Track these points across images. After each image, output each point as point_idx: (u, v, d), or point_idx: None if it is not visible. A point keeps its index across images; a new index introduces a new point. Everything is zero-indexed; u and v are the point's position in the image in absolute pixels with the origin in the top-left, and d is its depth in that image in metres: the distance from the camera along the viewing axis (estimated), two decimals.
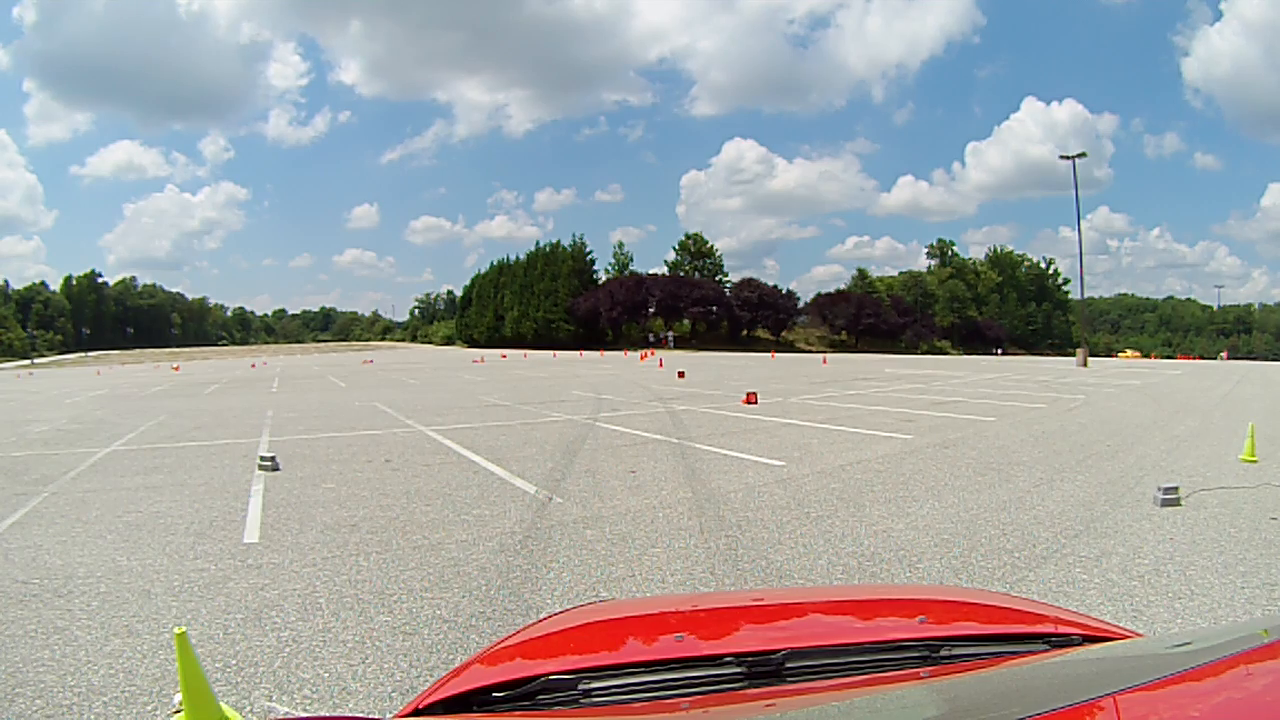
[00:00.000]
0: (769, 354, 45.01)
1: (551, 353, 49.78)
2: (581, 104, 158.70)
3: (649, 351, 45.13)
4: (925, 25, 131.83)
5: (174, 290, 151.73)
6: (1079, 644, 1.11)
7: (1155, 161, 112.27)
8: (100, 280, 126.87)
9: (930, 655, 1.09)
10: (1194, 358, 48.94)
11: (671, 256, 77.03)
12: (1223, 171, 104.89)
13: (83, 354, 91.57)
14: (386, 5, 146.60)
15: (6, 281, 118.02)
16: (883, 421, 8.87)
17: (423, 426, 9.20)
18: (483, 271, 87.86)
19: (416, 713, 1.12)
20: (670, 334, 63.35)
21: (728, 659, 1.10)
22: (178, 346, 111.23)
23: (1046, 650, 1.10)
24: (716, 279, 70.76)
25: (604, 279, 73.13)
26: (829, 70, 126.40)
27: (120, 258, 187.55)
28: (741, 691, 1.04)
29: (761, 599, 1.95)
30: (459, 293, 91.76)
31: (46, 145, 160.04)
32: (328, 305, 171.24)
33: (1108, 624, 1.27)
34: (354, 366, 34.73)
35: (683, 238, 78.96)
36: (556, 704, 1.05)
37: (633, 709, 1.05)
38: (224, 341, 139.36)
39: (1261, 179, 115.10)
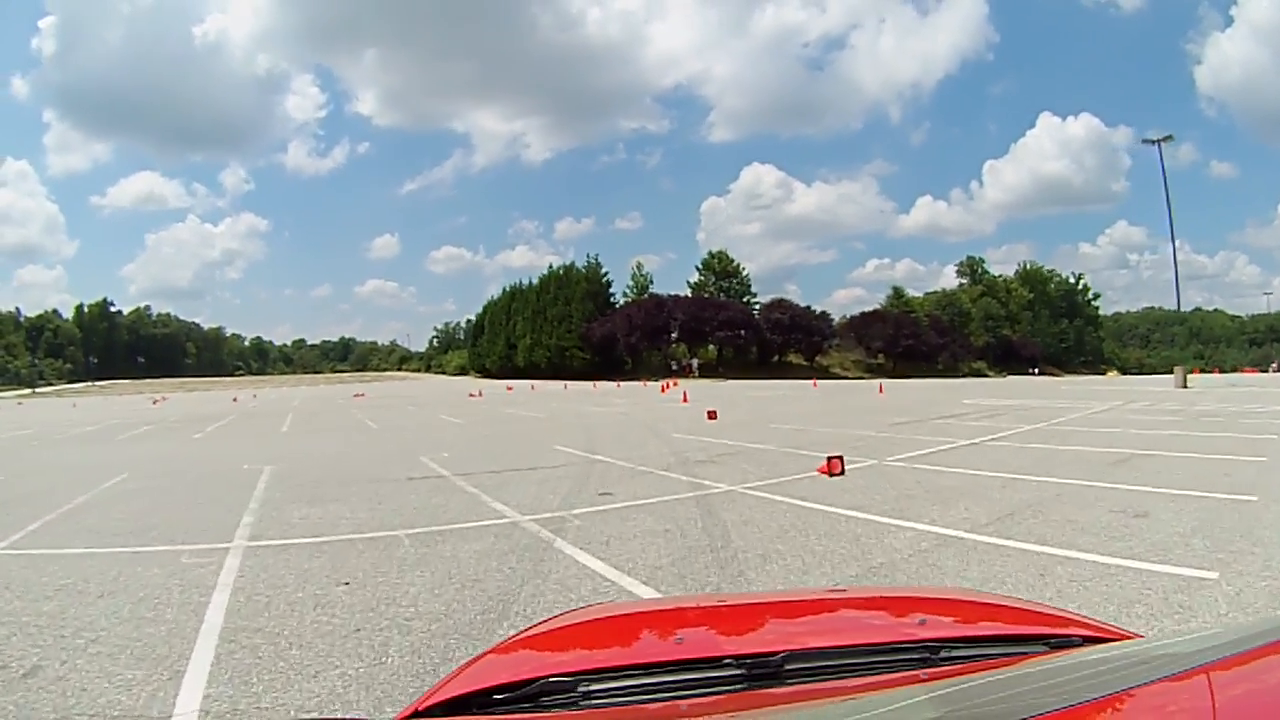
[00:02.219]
0: (807, 381, 42.45)
1: (562, 384, 47.13)
2: (599, 131, 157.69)
3: (671, 381, 41.97)
4: (938, 44, 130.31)
5: (190, 320, 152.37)
6: (1079, 645, 1.14)
7: (1171, 172, 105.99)
8: (113, 309, 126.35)
9: (930, 657, 1.12)
10: (1249, 369, 50.05)
11: (695, 277, 72.97)
12: (1238, 179, 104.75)
13: (88, 383, 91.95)
14: (399, 35, 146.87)
15: (19, 309, 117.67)
16: (1110, 524, 4.96)
17: (248, 540, 5.73)
18: (495, 298, 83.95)
19: (417, 714, 1.15)
20: (694, 361, 59.42)
21: (727, 660, 1.13)
22: (191, 376, 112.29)
23: (1046, 651, 1.14)
24: (744, 300, 67.62)
25: (622, 304, 69.91)
26: (845, 92, 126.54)
27: (142, 287, 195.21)
28: (741, 693, 1.07)
29: (761, 601, 2.17)
30: None
31: (66, 175, 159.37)
32: (348, 335, 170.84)
33: (1108, 625, 1.31)
34: (340, 400, 33.38)
35: (706, 256, 74.44)
36: (557, 705, 1.08)
37: (633, 710, 1.08)
38: (240, 371, 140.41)
39: (1276, 185, 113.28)
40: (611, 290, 71.22)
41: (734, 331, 60.74)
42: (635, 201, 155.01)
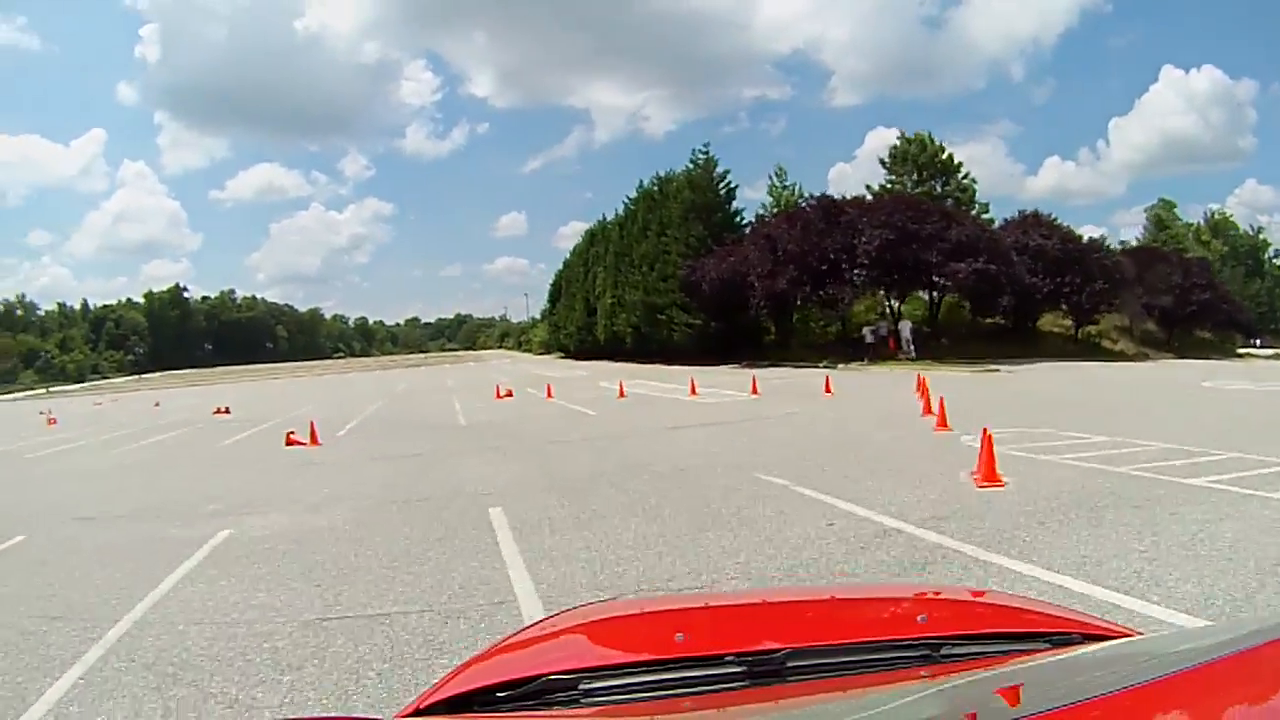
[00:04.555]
0: (1086, 364, 28.76)
1: (650, 377, 34.23)
2: (719, 101, 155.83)
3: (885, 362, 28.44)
4: None
5: (299, 306, 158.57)
6: (1079, 643, 1.18)
7: None
8: (185, 295, 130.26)
9: (931, 654, 1.16)
10: None
11: (877, 178, 48.49)
12: None
13: (138, 376, 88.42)
14: (507, 13, 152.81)
15: (87, 301, 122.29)
16: None
17: None
18: (578, 247, 65.50)
19: (418, 713, 1.18)
20: (905, 327, 35.67)
21: (729, 658, 1.15)
22: (278, 361, 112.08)
23: (1047, 649, 1.17)
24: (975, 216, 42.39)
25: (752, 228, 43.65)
26: (964, 50, 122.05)
27: (269, 275, 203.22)
28: (743, 691, 1.10)
29: (762, 598, 2.14)
30: None
31: (184, 172, 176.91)
32: (464, 312, 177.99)
33: (1108, 623, 1.37)
34: (380, 392, 31.37)
35: (899, 141, 48.76)
36: (558, 704, 1.11)
37: (634, 709, 1.11)
38: (340, 354, 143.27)
39: None
40: (740, 213, 45.87)
41: (975, 264, 33.23)
42: (762, 171, 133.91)
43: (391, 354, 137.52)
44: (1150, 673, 0.79)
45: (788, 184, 48.09)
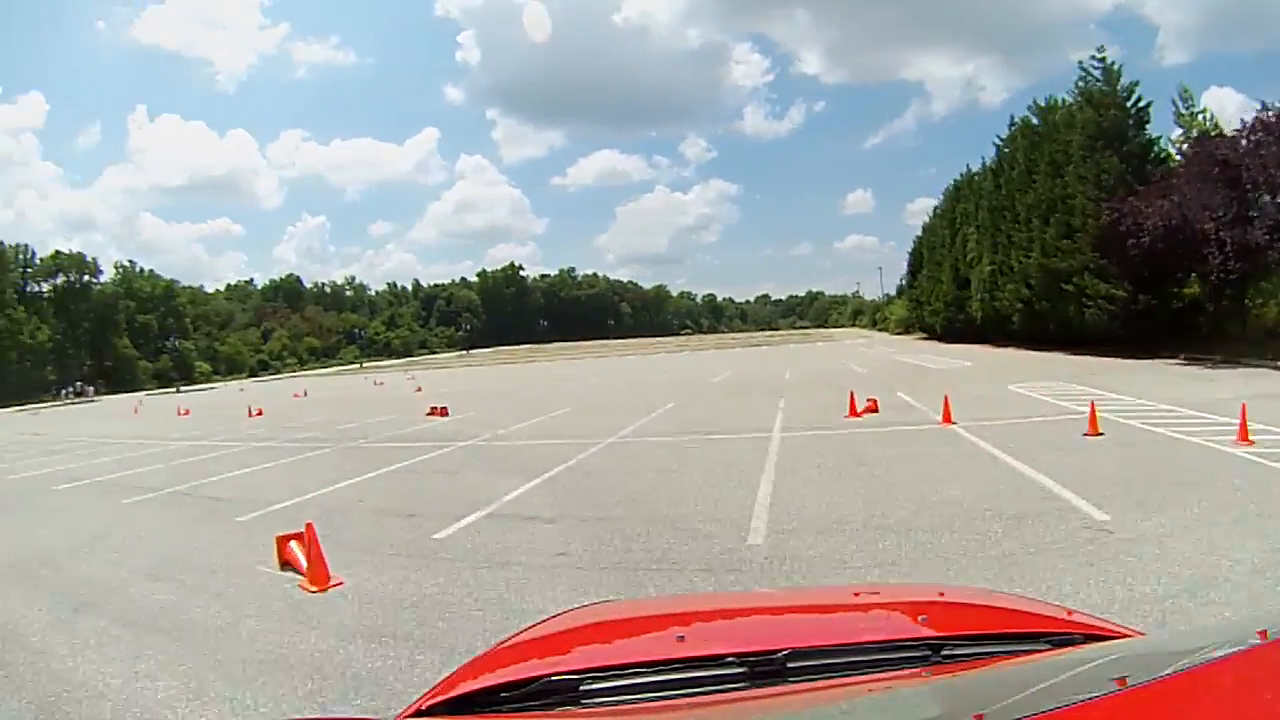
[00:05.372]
0: None
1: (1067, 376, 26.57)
2: (1048, 66, 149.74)
3: None
4: None
5: (647, 285, 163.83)
6: (1080, 643, 1.20)
7: None
8: (522, 274, 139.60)
9: (932, 655, 1.18)
10: None
11: None
12: None
13: (464, 351, 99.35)
14: None
15: (418, 281, 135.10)
16: None
17: None
18: (937, 207, 56.73)
19: (419, 713, 1.20)
20: None
21: (730, 659, 1.17)
22: (621, 338, 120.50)
23: (1048, 649, 1.19)
24: None
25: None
26: None
27: (617, 255, 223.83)
28: (744, 691, 1.13)
29: (763, 599, 2.25)
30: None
31: (522, 162, 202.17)
32: (816, 289, 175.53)
33: (1109, 623, 1.39)
34: (674, 386, 26.65)
35: None
36: (559, 704, 1.13)
37: (635, 709, 1.13)
38: (687, 330, 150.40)
39: None
40: (1156, 141, 32.29)
41: None
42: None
43: (739, 331, 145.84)
44: (1150, 673, 0.81)
45: (1196, 110, 32.75)
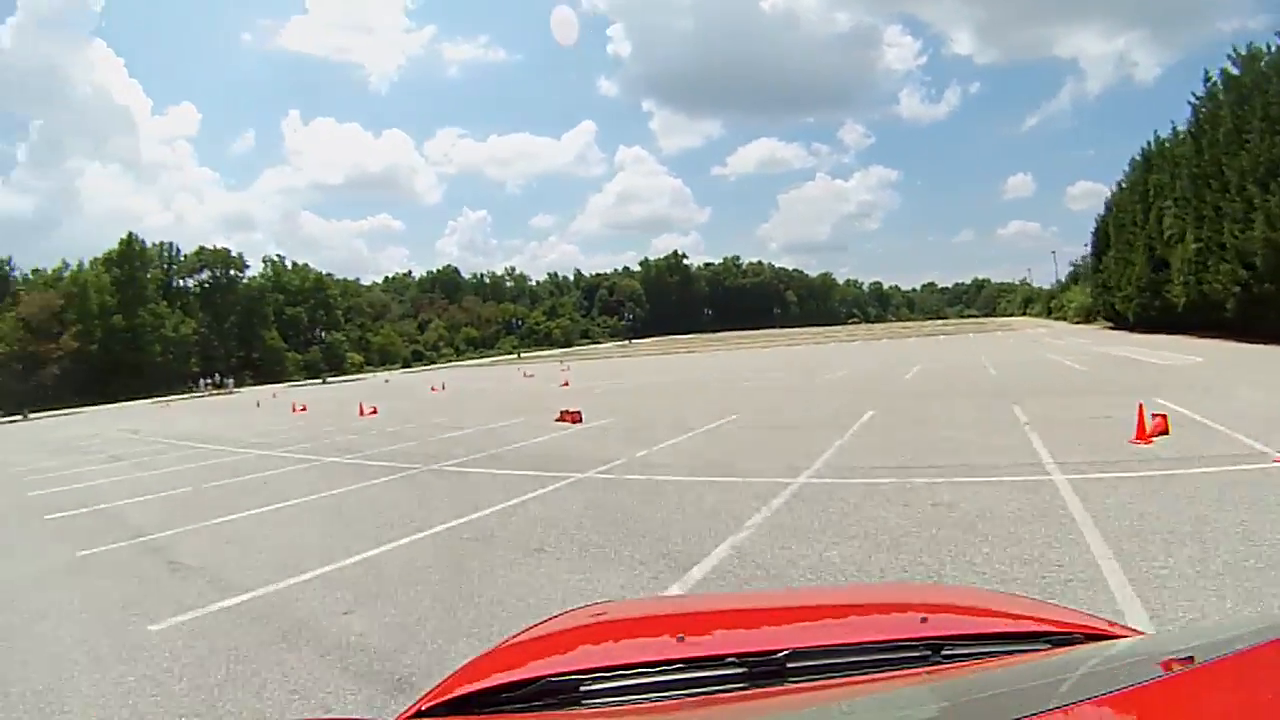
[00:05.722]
0: None
1: None
2: (1199, 39, 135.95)
3: None
4: None
5: (811, 272, 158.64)
6: (1080, 643, 1.19)
7: None
8: (685, 263, 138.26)
9: (932, 655, 1.19)
10: None
11: None
12: None
13: (626, 341, 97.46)
14: None
15: (579, 271, 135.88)
16: None
17: None
18: (1120, 183, 49.96)
19: (419, 714, 1.20)
20: None
21: (729, 659, 1.17)
22: (787, 327, 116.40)
23: (1048, 649, 1.19)
24: None
25: None
26: None
27: (780, 243, 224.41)
28: (743, 692, 1.13)
29: (763, 599, 2.19)
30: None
31: (680, 153, 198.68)
32: (983, 276, 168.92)
33: (1109, 623, 1.39)
34: (865, 389, 20.16)
35: None
36: (559, 705, 1.13)
37: (634, 710, 1.13)
38: (854, 319, 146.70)
39: None
40: None
41: None
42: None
43: (907, 320, 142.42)
44: (1150, 673, 0.80)
45: None
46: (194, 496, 11.43)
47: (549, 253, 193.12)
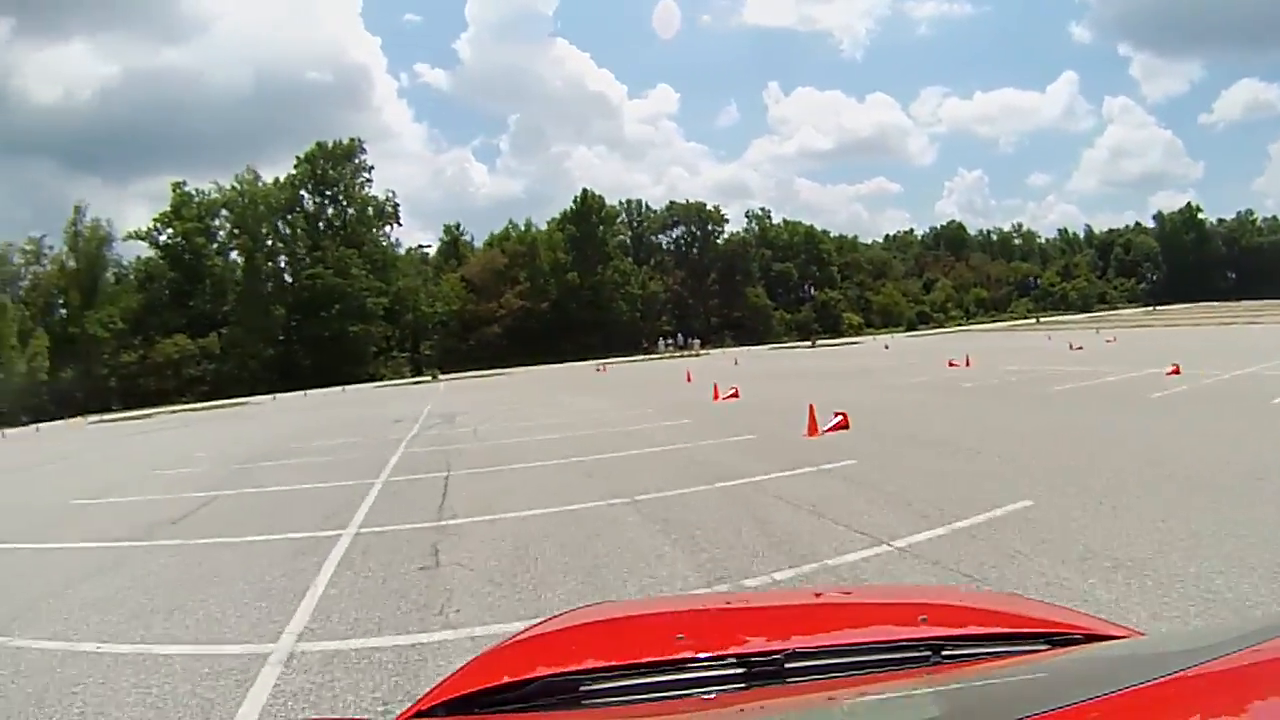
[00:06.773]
0: None
1: None
2: None
3: None
4: None
5: None
6: (1080, 643, 1.19)
7: None
8: (1200, 217, 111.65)
9: (932, 655, 1.18)
10: None
11: None
12: None
13: (1151, 308, 79.11)
14: None
15: (1090, 227, 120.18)
16: None
17: None
18: None
19: (419, 714, 1.21)
20: None
21: (729, 659, 1.18)
22: None
23: (1048, 649, 1.19)
24: None
25: None
26: None
27: (1279, 200, 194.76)
28: (742, 692, 1.13)
29: (762, 600, 2.20)
30: None
31: (1165, 100, 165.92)
32: None
33: (1109, 623, 1.40)
34: None
35: None
36: (558, 705, 1.14)
37: (634, 710, 1.14)
38: None
39: None
40: None
41: None
42: None
43: None
44: (1150, 673, 0.80)
45: None
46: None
47: (1048, 214, 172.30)
